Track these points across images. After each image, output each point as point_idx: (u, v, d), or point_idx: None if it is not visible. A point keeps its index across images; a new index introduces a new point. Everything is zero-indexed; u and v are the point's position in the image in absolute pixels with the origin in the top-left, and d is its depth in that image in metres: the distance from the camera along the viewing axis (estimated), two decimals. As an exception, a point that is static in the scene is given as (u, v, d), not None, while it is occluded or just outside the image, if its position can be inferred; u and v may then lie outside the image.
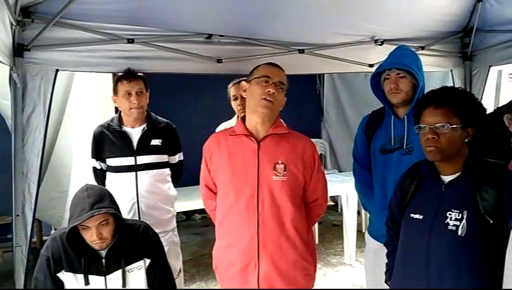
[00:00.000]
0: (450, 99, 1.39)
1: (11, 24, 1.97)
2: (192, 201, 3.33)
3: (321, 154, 5.54)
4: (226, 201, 1.72)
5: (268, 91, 1.65)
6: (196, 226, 5.07)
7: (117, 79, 2.32)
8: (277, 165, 1.67)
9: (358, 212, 3.99)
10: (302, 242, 1.72)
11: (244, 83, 1.76)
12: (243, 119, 1.76)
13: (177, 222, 2.54)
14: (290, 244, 1.69)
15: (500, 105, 2.91)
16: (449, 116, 1.36)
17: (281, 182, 1.67)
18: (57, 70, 2.22)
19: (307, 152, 1.74)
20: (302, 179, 1.73)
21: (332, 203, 5.40)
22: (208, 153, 1.78)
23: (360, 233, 3.79)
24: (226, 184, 1.73)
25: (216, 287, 3.44)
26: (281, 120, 1.79)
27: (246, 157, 1.69)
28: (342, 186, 3.74)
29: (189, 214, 5.16)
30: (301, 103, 5.53)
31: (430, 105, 1.40)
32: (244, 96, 1.75)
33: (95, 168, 2.41)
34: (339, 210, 4.88)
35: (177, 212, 2.59)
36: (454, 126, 1.36)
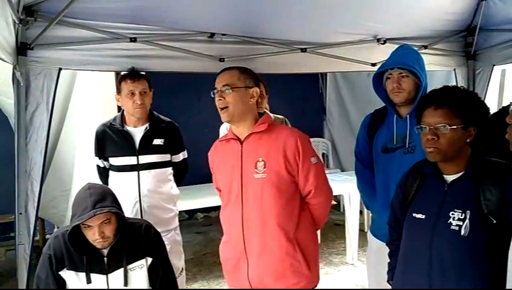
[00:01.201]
0: (449, 99, 1.38)
1: (14, 23, 1.98)
2: (194, 200, 3.33)
3: (323, 153, 5.53)
4: (223, 201, 1.84)
5: (217, 102, 1.71)
6: (198, 225, 5.07)
7: (121, 78, 2.32)
8: (258, 163, 1.70)
9: (361, 212, 3.98)
10: (288, 240, 1.70)
11: None
12: None
13: (180, 220, 2.55)
14: (274, 242, 1.69)
15: (504, 104, 2.89)
16: (449, 116, 1.36)
17: (262, 179, 1.68)
18: (60, 69, 2.23)
19: (289, 144, 1.68)
20: (287, 174, 1.69)
21: (334, 202, 5.40)
22: (211, 161, 1.90)
23: (362, 232, 3.78)
24: (222, 185, 1.84)
25: (218, 287, 3.44)
26: (273, 115, 1.83)
27: (232, 159, 1.75)
28: (344, 186, 3.74)
29: (191, 213, 5.17)
30: (303, 101, 5.53)
31: (430, 105, 1.40)
32: None
33: (98, 167, 2.42)
34: (341, 209, 4.87)
35: (180, 211, 2.59)
36: (454, 127, 1.35)
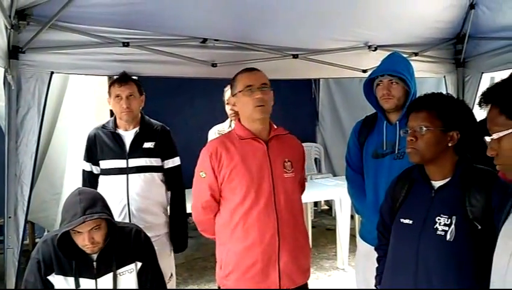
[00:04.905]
0: (428, 103, 1.43)
1: (6, 26, 1.98)
2: (186, 204, 3.31)
3: (316, 158, 5.55)
4: (244, 203, 1.73)
5: (258, 98, 1.73)
6: (190, 229, 5.03)
7: (110, 83, 2.34)
8: (285, 163, 1.81)
9: (352, 217, 4.00)
10: (305, 230, 1.93)
11: (231, 98, 1.87)
12: (240, 123, 1.84)
13: (171, 224, 2.54)
14: (303, 237, 1.86)
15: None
16: (427, 119, 1.40)
17: (292, 178, 1.82)
18: (52, 73, 2.22)
19: (301, 151, 1.94)
20: (301, 174, 1.93)
21: (326, 207, 5.41)
22: (216, 158, 1.76)
23: (353, 237, 3.79)
24: (243, 186, 1.73)
25: (209, 291, 3.44)
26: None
27: (258, 159, 1.77)
28: (336, 191, 3.76)
29: (183, 217, 5.14)
30: (296, 106, 5.55)
31: (414, 110, 1.45)
32: (236, 110, 1.90)
33: (84, 171, 2.40)
34: (333, 214, 4.89)
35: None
36: (432, 128, 1.38)
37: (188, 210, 3.47)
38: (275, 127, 1.86)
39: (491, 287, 1.14)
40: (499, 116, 1.04)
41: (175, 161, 2.45)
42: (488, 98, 1.07)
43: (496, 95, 1.06)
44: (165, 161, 2.42)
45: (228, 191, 1.77)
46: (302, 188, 1.99)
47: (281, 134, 1.86)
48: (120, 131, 2.34)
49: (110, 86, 2.31)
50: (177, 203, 2.45)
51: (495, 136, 1.04)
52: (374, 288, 1.67)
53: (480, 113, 1.56)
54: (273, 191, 1.75)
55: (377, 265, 1.68)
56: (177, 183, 2.46)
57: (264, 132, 1.81)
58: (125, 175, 2.28)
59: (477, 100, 1.12)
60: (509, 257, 1.05)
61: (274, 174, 1.77)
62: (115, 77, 2.37)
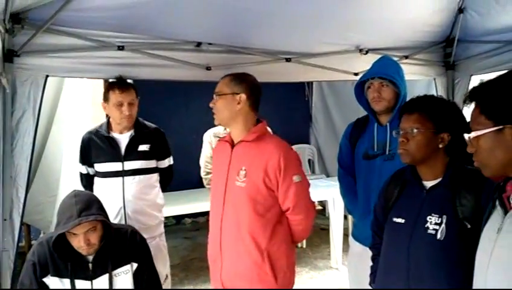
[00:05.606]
0: (420, 106, 1.47)
1: (0, 30, 1.98)
2: (182, 205, 3.34)
3: (309, 159, 5.60)
4: (210, 199, 1.90)
5: (210, 106, 1.80)
6: (186, 230, 5.08)
7: (108, 87, 2.32)
8: (240, 171, 1.74)
9: (345, 217, 4.04)
10: (259, 252, 1.71)
11: None
12: None
13: (167, 226, 2.57)
14: (246, 250, 1.72)
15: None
16: (419, 121, 1.44)
17: (240, 188, 1.72)
18: (47, 76, 2.23)
19: (272, 160, 1.69)
20: (264, 188, 1.70)
21: (320, 207, 5.45)
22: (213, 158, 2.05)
23: (346, 237, 3.82)
24: (211, 183, 1.93)
25: (204, 292, 3.46)
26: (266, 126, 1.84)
27: (223, 161, 1.82)
28: (329, 191, 3.79)
29: (179, 218, 5.17)
30: (290, 109, 5.61)
31: (406, 112, 1.49)
32: None
33: (81, 174, 2.42)
34: (327, 214, 4.93)
35: (167, 217, 2.61)
36: (422, 130, 1.42)
37: (185, 211, 3.51)
38: (254, 132, 1.77)
39: (474, 286, 1.17)
40: (479, 115, 1.07)
41: (165, 163, 2.50)
42: (472, 96, 1.11)
43: (478, 95, 1.09)
44: (159, 162, 2.45)
45: None
46: (284, 204, 1.74)
47: (249, 140, 1.74)
48: (114, 134, 2.35)
49: (108, 91, 2.30)
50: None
51: (474, 134, 1.08)
52: (367, 287, 1.70)
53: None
54: (223, 195, 1.76)
55: (369, 265, 1.71)
56: (168, 178, 2.54)
57: (238, 135, 1.79)
58: (121, 178, 2.30)
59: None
60: (489, 255, 1.08)
61: (228, 179, 1.75)
62: (111, 80, 2.38)
